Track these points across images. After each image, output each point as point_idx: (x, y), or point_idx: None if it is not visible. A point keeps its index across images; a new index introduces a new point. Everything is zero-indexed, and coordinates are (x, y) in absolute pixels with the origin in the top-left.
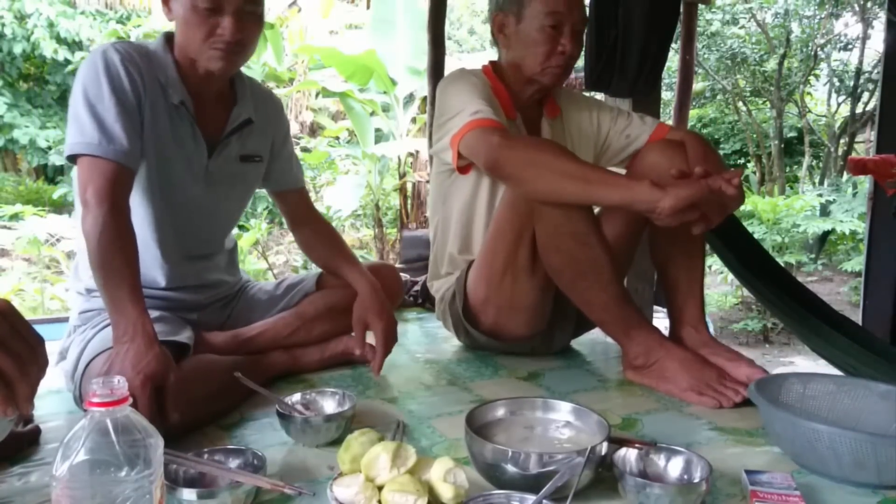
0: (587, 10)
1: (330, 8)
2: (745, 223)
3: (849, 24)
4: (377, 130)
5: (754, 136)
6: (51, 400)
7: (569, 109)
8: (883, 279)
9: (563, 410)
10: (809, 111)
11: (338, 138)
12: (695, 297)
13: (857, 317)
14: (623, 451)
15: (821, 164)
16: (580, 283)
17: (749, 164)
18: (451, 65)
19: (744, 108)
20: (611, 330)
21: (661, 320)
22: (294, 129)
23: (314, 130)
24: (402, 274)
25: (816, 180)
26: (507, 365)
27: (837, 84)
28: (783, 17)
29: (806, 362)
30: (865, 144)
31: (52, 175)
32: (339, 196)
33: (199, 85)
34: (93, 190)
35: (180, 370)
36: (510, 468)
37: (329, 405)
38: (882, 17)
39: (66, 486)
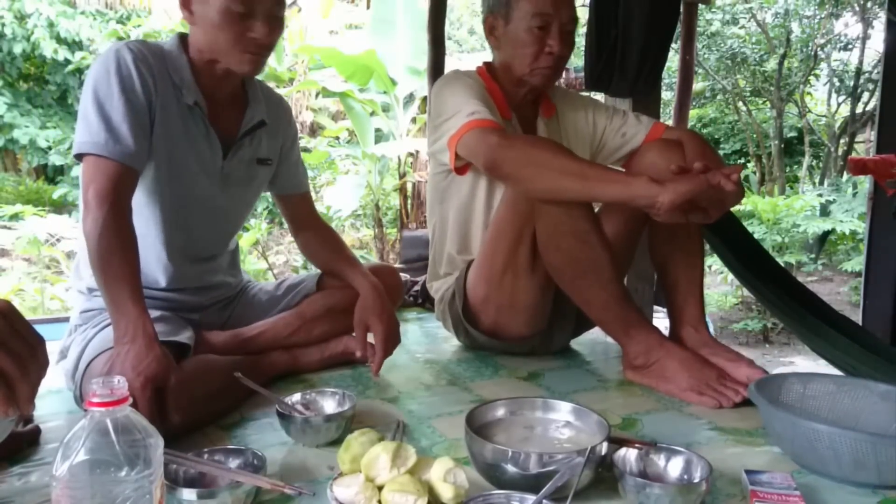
0: (588, 10)
1: (330, 8)
2: (745, 223)
3: (849, 24)
4: (377, 130)
5: (754, 136)
6: (51, 400)
7: (564, 109)
8: (883, 279)
9: (563, 410)
10: (809, 111)
11: (338, 138)
12: (695, 297)
13: (857, 317)
14: (623, 451)
15: (821, 164)
16: (580, 281)
17: (749, 164)
18: (451, 65)
19: (744, 108)
20: (611, 329)
21: (661, 320)
22: None
23: (314, 130)
24: (402, 274)
25: (816, 180)
26: (507, 365)
27: (837, 84)
28: (783, 17)
29: (806, 362)
30: (865, 144)
31: (52, 175)
32: (339, 196)
33: (212, 86)
34: (94, 190)
35: (181, 370)
36: (510, 468)
37: (329, 405)
38: (882, 17)
39: (66, 486)
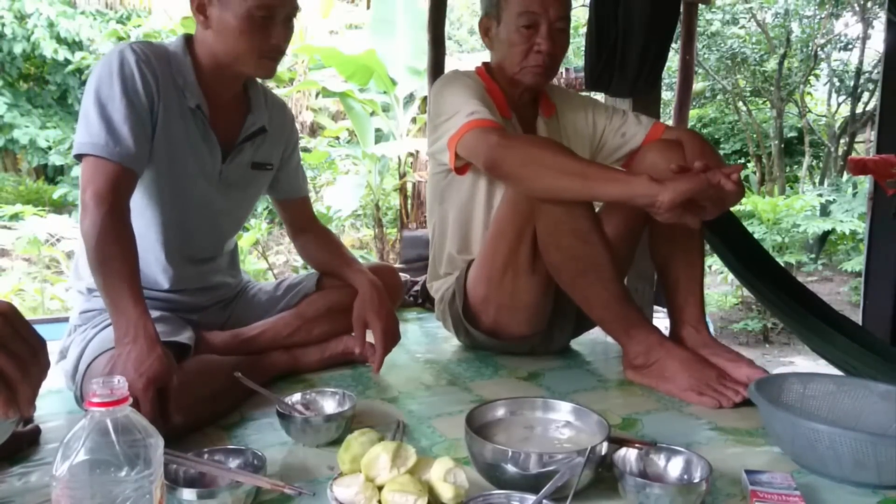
0: (588, 10)
1: (330, 8)
2: (745, 223)
3: (849, 24)
4: (377, 130)
5: (754, 136)
6: (51, 400)
7: (564, 108)
8: (883, 279)
9: (563, 410)
10: (809, 111)
11: (338, 138)
12: (695, 297)
13: (857, 317)
14: (623, 451)
15: (821, 164)
16: (581, 280)
17: (749, 164)
18: (451, 65)
19: (744, 108)
20: (611, 328)
21: (661, 320)
22: None
23: (314, 130)
24: (402, 274)
25: (816, 180)
26: (507, 365)
27: (837, 84)
28: (783, 17)
29: (806, 362)
30: (865, 144)
31: (52, 175)
32: (339, 196)
33: (216, 89)
34: (92, 191)
35: (182, 371)
36: (510, 468)
37: (329, 405)
38: (882, 17)
39: (66, 486)
